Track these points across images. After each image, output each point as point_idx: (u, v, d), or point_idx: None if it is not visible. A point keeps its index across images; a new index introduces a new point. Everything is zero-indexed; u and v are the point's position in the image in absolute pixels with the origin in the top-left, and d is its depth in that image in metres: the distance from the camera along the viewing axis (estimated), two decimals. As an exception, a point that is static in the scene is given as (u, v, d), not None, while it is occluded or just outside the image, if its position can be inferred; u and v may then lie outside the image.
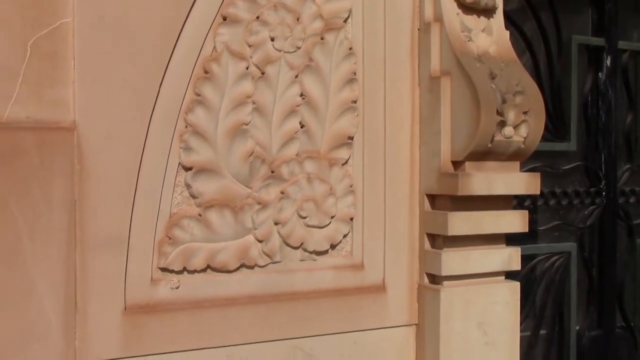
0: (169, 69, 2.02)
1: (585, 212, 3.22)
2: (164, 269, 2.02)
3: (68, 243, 1.87)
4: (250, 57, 2.13)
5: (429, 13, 2.41)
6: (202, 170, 2.06)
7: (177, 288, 2.04)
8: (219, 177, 2.09)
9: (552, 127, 3.10)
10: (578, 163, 3.21)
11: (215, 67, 2.08)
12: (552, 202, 3.13)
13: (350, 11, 2.30)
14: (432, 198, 2.40)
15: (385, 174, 2.36)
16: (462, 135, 2.29)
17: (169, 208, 2.03)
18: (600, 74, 3.23)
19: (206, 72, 2.07)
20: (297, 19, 2.20)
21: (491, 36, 2.47)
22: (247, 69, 2.12)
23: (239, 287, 2.13)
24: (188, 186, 2.06)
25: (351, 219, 2.30)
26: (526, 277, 3.01)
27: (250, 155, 2.13)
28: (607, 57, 3.23)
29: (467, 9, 2.44)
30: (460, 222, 2.30)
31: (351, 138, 2.30)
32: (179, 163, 2.04)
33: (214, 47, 2.09)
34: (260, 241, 2.15)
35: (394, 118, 2.38)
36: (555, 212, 3.16)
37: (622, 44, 3.28)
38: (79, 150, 1.89)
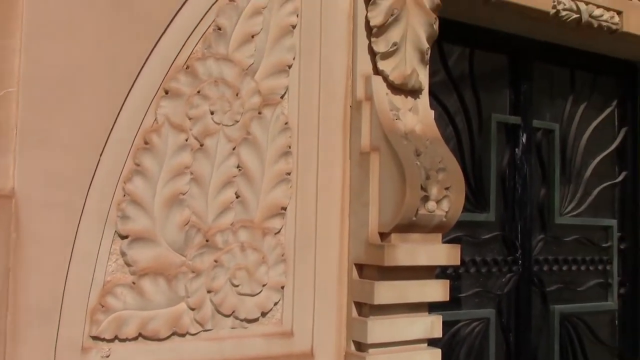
0: (110, 138, 2.08)
1: (503, 280, 3.41)
2: (95, 337, 2.03)
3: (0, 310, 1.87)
4: (190, 130, 2.22)
5: (360, 92, 2.57)
6: (138, 239, 2.11)
7: (107, 357, 2.04)
8: (155, 245, 2.13)
9: (472, 198, 3.29)
10: (497, 233, 3.41)
11: (156, 138, 2.15)
12: (472, 269, 3.30)
13: (287, 88, 2.43)
14: (361, 267, 2.51)
15: (316, 243, 2.46)
16: (389, 208, 2.42)
17: (103, 276, 2.05)
18: (516, 149, 3.47)
19: (146, 142, 2.14)
20: (237, 94, 2.31)
21: (417, 115, 2.64)
22: (186, 140, 2.21)
23: (170, 356, 2.15)
24: (123, 254, 2.09)
25: (282, 287, 2.37)
26: (448, 343, 3.14)
27: (186, 224, 2.19)
28: (523, 134, 3.48)
29: (395, 89, 2.61)
30: (386, 292, 2.41)
31: (284, 208, 2.40)
32: (115, 231, 2.08)
33: (155, 119, 2.17)
34: (192, 309, 2.19)
35: (326, 189, 2.50)
36: (475, 280, 3.33)
37: (536, 123, 3.55)
38: (16, 218, 1.91)
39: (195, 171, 2.22)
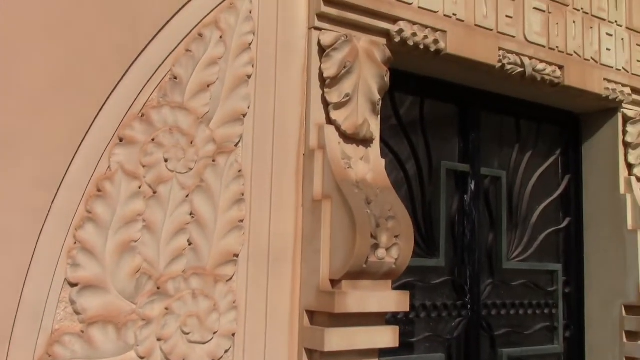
0: (63, 185, 2.09)
1: (453, 324, 3.46)
2: (40, 388, 2.01)
3: (-60, 361, 1.83)
4: (144, 177, 2.24)
5: (313, 141, 2.64)
6: (88, 287, 2.09)
7: (53, 408, 2.01)
8: (105, 293, 2.12)
9: (423, 244, 3.36)
10: (446, 278, 3.47)
11: (109, 186, 2.16)
12: (423, 314, 3.35)
13: (241, 136, 2.48)
14: (312, 314, 2.54)
15: (268, 290, 2.48)
16: (340, 255, 2.47)
17: (52, 324, 2.03)
18: (465, 196, 3.57)
19: (99, 190, 2.15)
20: (191, 142, 2.35)
21: (369, 164, 2.72)
22: (139, 188, 2.22)
23: (118, 405, 2.13)
24: (72, 302, 2.08)
25: (233, 335, 2.38)
26: (398, 388, 3.16)
27: (137, 272, 2.19)
28: (471, 181, 3.59)
29: (347, 138, 2.69)
30: (337, 339, 2.44)
31: (237, 255, 2.42)
32: (65, 279, 2.07)
33: (109, 166, 2.18)
34: (142, 358, 2.17)
35: (278, 237, 2.53)
36: (426, 324, 3.38)
37: (484, 170, 3.66)
38: (-38, 266, 1.89)
39: (148, 218, 2.23)
